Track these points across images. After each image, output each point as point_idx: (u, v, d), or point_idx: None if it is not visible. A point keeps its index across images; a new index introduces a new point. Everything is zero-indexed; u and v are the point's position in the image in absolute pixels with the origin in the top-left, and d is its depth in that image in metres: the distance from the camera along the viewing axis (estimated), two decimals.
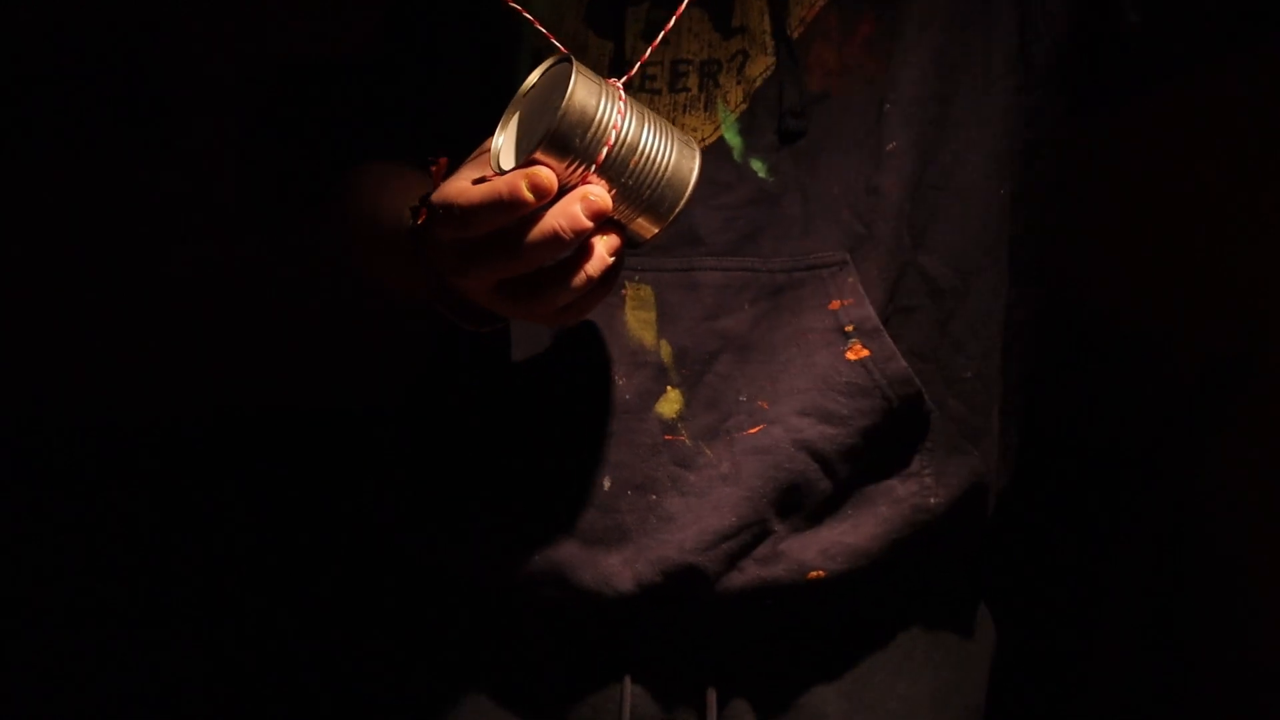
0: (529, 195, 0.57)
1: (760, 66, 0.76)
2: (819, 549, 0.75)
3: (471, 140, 0.71)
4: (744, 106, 0.76)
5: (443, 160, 0.69)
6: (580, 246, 0.61)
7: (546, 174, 0.57)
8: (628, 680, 0.77)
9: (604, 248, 0.61)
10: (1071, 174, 1.77)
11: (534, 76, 0.64)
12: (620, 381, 0.75)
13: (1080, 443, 1.75)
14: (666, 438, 0.74)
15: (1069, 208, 0.90)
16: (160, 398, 2.26)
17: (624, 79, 0.63)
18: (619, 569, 0.74)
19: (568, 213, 0.58)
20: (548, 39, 0.73)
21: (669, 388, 0.74)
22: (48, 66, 2.33)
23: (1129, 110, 1.86)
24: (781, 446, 0.73)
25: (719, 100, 0.76)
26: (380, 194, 0.79)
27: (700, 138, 0.76)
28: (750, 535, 0.74)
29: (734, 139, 0.76)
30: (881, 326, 0.74)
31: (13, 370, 2.29)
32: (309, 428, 2.23)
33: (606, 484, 0.74)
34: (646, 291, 0.75)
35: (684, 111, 0.77)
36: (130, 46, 2.35)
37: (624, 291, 0.75)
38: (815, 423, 0.73)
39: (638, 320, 0.75)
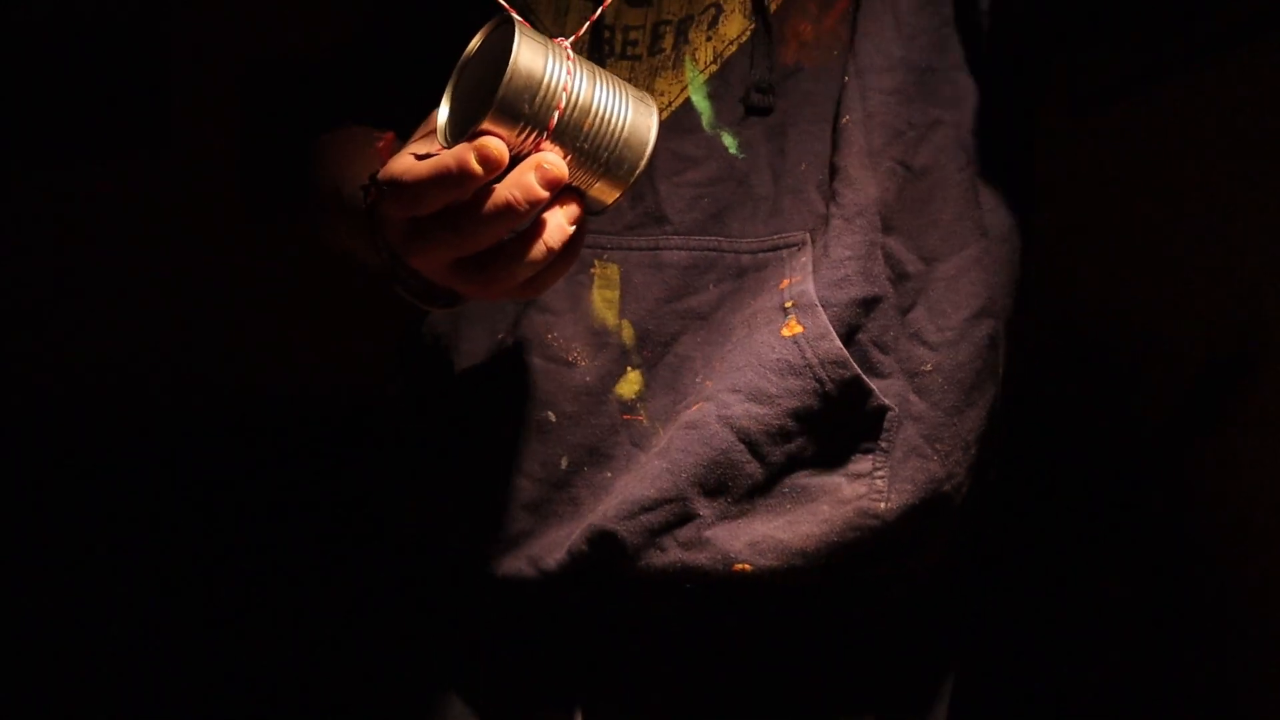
0: (478, 168, 0.53)
1: (735, 28, 0.73)
2: (748, 541, 0.71)
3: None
4: (713, 68, 0.74)
5: (389, 135, 0.66)
6: (537, 217, 0.57)
7: (496, 145, 0.53)
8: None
9: (563, 216, 0.57)
10: (1070, 173, 1.77)
11: (477, 40, 0.59)
12: (582, 363, 0.74)
13: (1079, 443, 1.75)
14: (625, 417, 0.73)
15: (1052, 204, 0.86)
16: (160, 396, 2.27)
17: (571, 39, 0.58)
18: (564, 540, 0.73)
19: (521, 184, 0.54)
20: (528, 4, 0.71)
21: (629, 369, 0.73)
22: (47, 66, 2.33)
23: (1128, 107, 1.86)
24: (708, 422, 0.70)
25: (687, 58, 0.74)
26: (343, 165, 0.75)
27: (668, 101, 0.74)
28: (671, 512, 0.71)
29: (702, 103, 0.73)
30: (818, 303, 0.69)
31: (12, 369, 2.29)
32: (309, 424, 2.23)
33: (564, 463, 0.74)
34: (613, 270, 0.74)
35: (657, 75, 0.74)
36: (130, 46, 2.35)
37: (592, 270, 0.74)
38: (743, 400, 0.70)
39: (603, 299, 0.74)
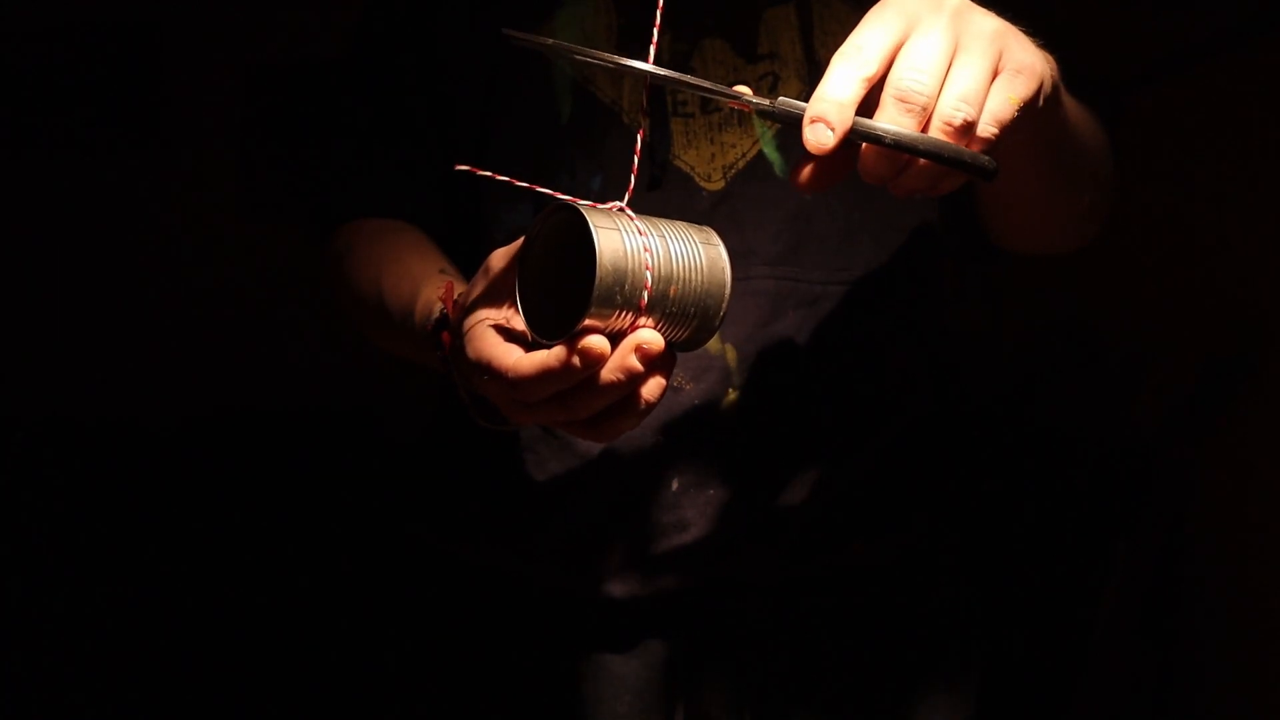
0: (581, 366, 0.55)
1: (793, 91, 0.80)
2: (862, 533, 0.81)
3: (466, 150, 0.71)
4: (778, 125, 0.79)
5: (449, 284, 0.69)
6: None
7: (598, 342, 0.54)
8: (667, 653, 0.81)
9: (660, 375, 0.59)
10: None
11: (540, 224, 0.59)
12: (688, 387, 0.78)
13: (1079, 443, 1.75)
14: (725, 436, 0.78)
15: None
16: (161, 397, 2.27)
17: (625, 199, 0.59)
18: (681, 557, 0.78)
19: (624, 366, 0.56)
20: (586, 70, 0.78)
21: (730, 390, 0.78)
22: (47, 67, 2.34)
23: (1128, 106, 1.85)
24: (836, 450, 0.79)
25: (754, 116, 0.79)
26: (394, 281, 0.79)
27: (741, 152, 0.81)
28: (806, 519, 0.79)
29: (773, 154, 0.81)
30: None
31: (12, 369, 2.30)
32: (314, 426, 2.24)
33: (675, 485, 0.78)
34: None
35: (720, 130, 0.81)
36: (130, 47, 2.35)
37: None
38: (865, 431, 0.80)
39: None
